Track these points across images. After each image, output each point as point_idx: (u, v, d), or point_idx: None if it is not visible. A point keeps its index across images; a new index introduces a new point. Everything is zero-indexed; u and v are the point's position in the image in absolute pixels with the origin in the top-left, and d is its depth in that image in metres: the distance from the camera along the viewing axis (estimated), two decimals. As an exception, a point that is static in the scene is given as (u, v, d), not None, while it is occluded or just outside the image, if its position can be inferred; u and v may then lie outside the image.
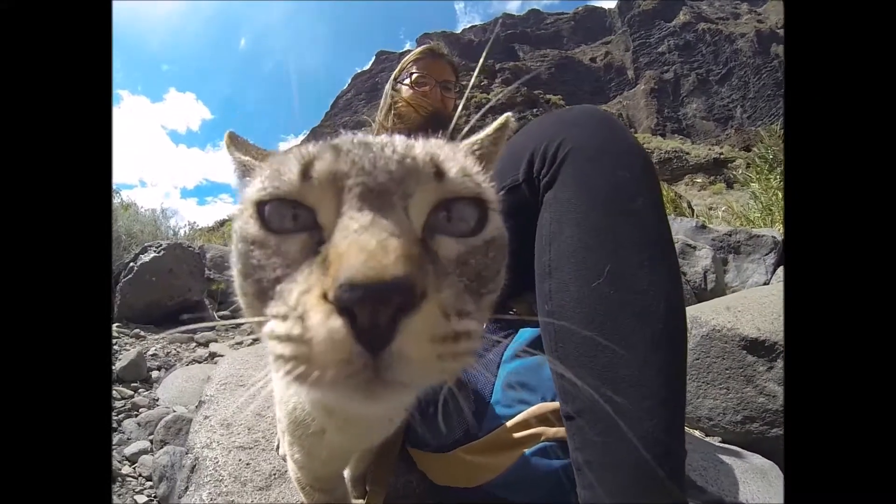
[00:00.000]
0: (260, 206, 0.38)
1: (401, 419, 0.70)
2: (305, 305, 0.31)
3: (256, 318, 0.36)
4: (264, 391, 0.34)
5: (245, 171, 0.50)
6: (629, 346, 0.69)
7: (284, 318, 0.32)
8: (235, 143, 0.53)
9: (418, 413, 0.90)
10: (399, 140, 0.41)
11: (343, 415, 0.55)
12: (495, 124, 0.54)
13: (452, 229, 0.39)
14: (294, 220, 0.38)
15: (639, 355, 0.69)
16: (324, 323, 0.30)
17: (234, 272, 0.40)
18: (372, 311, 0.29)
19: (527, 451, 0.82)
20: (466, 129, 0.52)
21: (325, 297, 0.30)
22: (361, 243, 0.31)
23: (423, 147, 0.40)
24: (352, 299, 0.29)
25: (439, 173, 0.38)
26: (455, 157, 0.41)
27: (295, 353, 0.31)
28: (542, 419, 0.84)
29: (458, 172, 0.39)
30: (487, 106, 0.55)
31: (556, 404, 0.83)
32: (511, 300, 1.01)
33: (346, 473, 0.93)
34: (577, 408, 0.71)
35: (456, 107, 1.85)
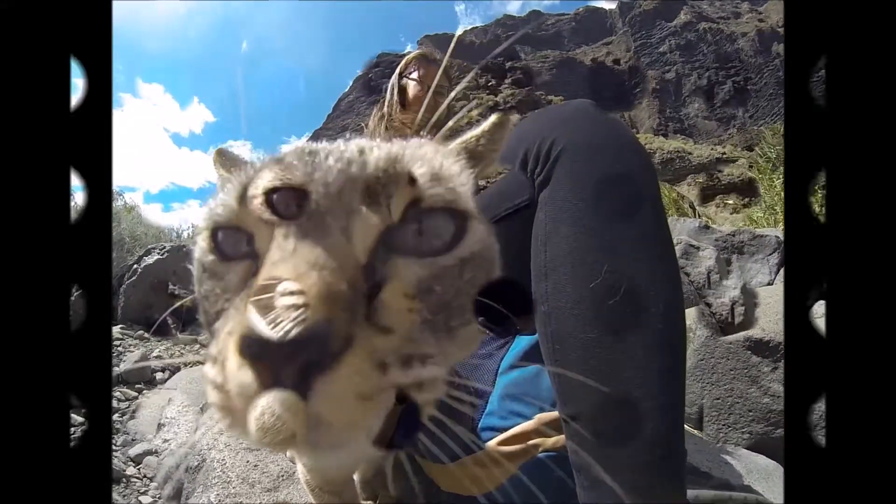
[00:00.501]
0: (213, 231, 0.35)
1: (374, 430, 0.70)
2: (226, 350, 0.27)
3: (196, 360, 0.33)
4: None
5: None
6: (628, 349, 0.70)
7: (214, 361, 0.29)
8: (221, 159, 0.51)
9: (403, 432, 0.91)
10: (353, 143, 0.36)
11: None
12: (491, 120, 0.50)
13: (420, 247, 0.33)
14: (248, 245, 0.34)
15: (638, 356, 0.70)
16: (235, 374, 0.26)
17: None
18: (276, 366, 0.25)
19: (524, 462, 0.83)
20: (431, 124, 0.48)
21: None
22: (277, 275, 0.27)
23: (380, 149, 0.35)
24: (252, 354, 0.25)
25: (410, 179, 0.34)
26: (426, 157, 0.36)
27: (218, 403, 0.28)
28: (540, 430, 0.84)
29: (424, 175, 0.34)
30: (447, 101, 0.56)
31: (555, 414, 0.84)
32: (516, 317, 1.01)
33: (356, 476, 0.94)
34: (576, 410, 0.72)
35: (449, 111, 1.86)
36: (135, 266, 3.60)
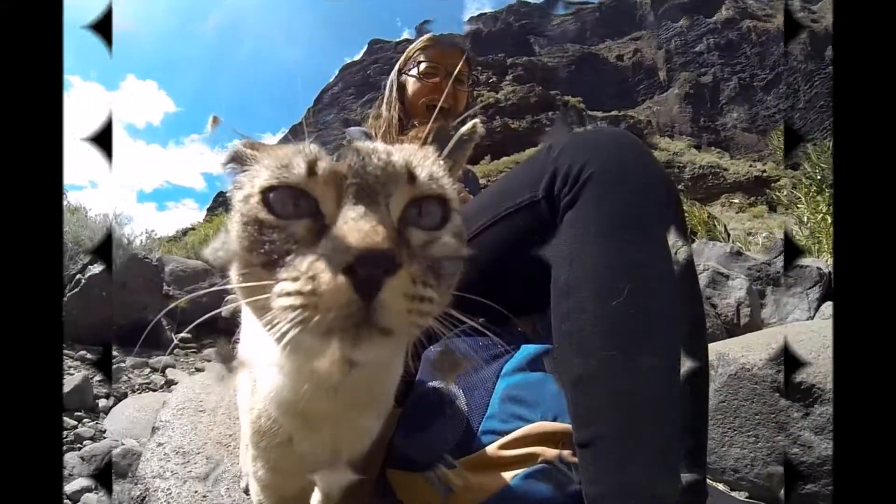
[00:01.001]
0: (265, 193, 0.50)
1: (374, 432, 0.74)
2: (317, 269, 0.43)
3: (265, 282, 0.46)
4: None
5: (235, 159, 0.58)
6: (649, 368, 0.73)
7: (295, 279, 0.44)
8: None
9: (404, 434, 0.94)
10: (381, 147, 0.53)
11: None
12: (462, 130, 0.64)
13: (422, 223, 0.52)
14: (295, 207, 0.49)
15: (660, 378, 0.73)
16: (333, 279, 0.42)
17: (236, 248, 0.51)
18: (368, 269, 0.42)
19: (522, 471, 0.84)
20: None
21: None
22: (359, 227, 0.44)
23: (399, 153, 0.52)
24: (355, 262, 0.41)
25: (412, 178, 0.51)
26: (424, 163, 0.53)
27: (305, 303, 0.43)
28: (541, 439, 0.86)
29: (426, 176, 0.52)
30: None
31: (558, 425, 0.86)
32: (517, 318, 1.05)
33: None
34: (594, 434, 0.74)
35: (468, 104, 1.87)
36: (78, 276, 3.38)
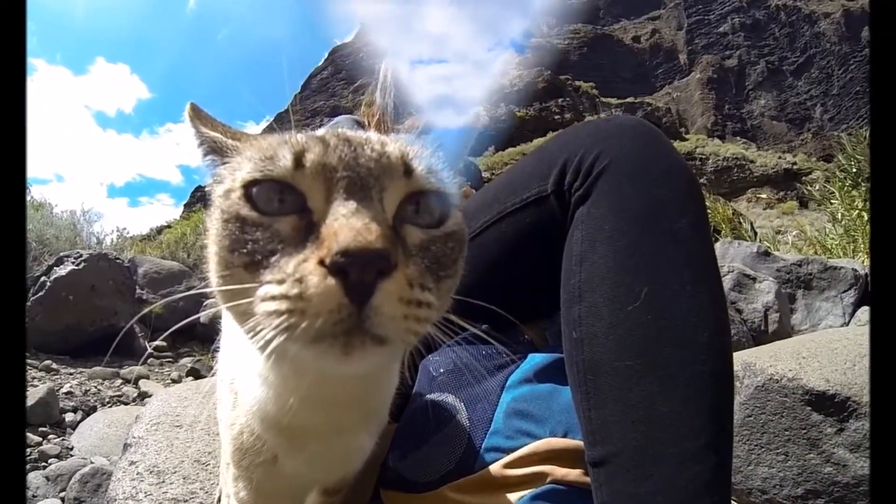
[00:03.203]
0: (248, 187, 0.49)
1: (367, 450, 0.74)
2: (304, 271, 0.43)
3: (247, 285, 0.46)
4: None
5: (215, 150, 0.58)
6: (669, 379, 0.73)
7: (281, 282, 0.44)
8: (199, 116, 0.60)
9: (400, 452, 0.94)
10: (375, 137, 0.54)
11: (312, 387, 0.59)
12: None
13: (419, 221, 0.52)
14: (281, 203, 0.49)
15: (680, 390, 0.72)
16: (322, 282, 0.42)
17: (216, 248, 0.51)
18: (360, 271, 0.42)
19: (528, 492, 0.83)
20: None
21: (321, 263, 0.42)
22: (351, 224, 0.44)
23: (395, 145, 0.53)
24: (346, 263, 0.41)
25: (408, 171, 0.51)
26: (422, 154, 0.54)
27: (291, 308, 0.43)
28: (550, 457, 0.85)
29: (423, 169, 0.52)
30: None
31: (568, 441, 0.86)
32: (524, 324, 1.04)
33: None
34: (609, 450, 0.73)
35: None
36: (43, 279, 3.39)
